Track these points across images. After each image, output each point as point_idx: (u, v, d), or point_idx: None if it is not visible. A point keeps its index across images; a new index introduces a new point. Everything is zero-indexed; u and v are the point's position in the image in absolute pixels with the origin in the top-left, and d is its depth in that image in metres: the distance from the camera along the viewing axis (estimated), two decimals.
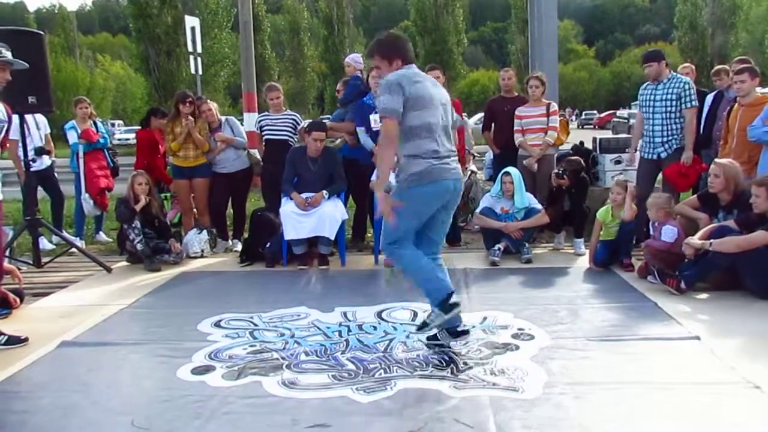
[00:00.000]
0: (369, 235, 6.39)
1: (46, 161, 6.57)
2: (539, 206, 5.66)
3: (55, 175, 6.80)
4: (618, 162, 6.93)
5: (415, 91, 3.21)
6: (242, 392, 2.97)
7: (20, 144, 5.58)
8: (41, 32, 5.51)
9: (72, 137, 6.73)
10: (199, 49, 11.35)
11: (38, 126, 6.57)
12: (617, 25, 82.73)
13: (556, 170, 5.78)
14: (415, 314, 4.09)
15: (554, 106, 6.22)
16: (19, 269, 4.73)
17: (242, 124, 8.23)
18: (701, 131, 5.87)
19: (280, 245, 5.56)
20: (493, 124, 6.67)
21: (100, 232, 7.09)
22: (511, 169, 5.70)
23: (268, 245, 5.63)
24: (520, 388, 2.93)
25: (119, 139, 26.69)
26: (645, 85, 5.82)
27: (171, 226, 6.23)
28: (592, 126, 40.09)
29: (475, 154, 9.07)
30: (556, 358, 3.30)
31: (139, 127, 7.35)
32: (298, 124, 6.15)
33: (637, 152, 5.90)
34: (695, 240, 4.38)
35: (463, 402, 2.81)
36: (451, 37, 34.75)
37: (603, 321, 3.89)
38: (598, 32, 79.45)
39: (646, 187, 5.71)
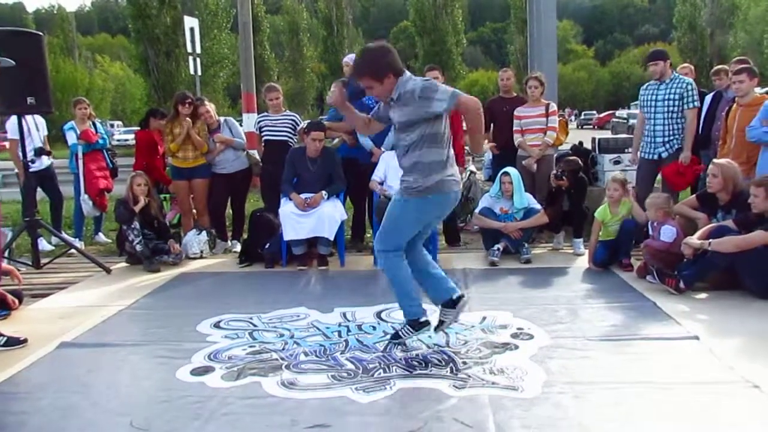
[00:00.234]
0: (368, 235, 6.39)
1: (45, 162, 6.58)
2: (538, 206, 5.66)
3: (55, 176, 6.80)
4: (617, 162, 6.94)
5: None
6: (241, 393, 2.97)
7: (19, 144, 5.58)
8: (40, 33, 5.51)
9: (71, 138, 6.73)
10: (198, 50, 11.35)
11: (38, 127, 6.57)
12: (616, 26, 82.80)
13: (554, 172, 5.78)
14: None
15: (553, 107, 6.23)
16: (19, 270, 4.73)
17: (241, 125, 8.22)
18: (700, 131, 5.87)
19: (279, 246, 5.56)
20: (492, 125, 6.67)
21: (100, 233, 7.09)
22: (510, 169, 5.70)
23: (267, 246, 5.63)
24: (520, 388, 2.93)
25: (118, 140, 26.67)
26: (646, 84, 5.83)
27: (170, 226, 6.23)
28: (591, 126, 40.11)
29: (475, 155, 9.08)
30: (555, 357, 3.30)
31: (138, 128, 7.35)
32: (298, 125, 6.15)
33: (639, 153, 5.91)
34: (694, 240, 4.38)
35: (463, 401, 2.82)
36: (450, 37, 34.77)
37: (602, 321, 3.89)
38: (598, 32, 79.52)
39: (646, 187, 5.73)
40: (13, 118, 5.74)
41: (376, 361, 3.32)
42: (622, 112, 34.35)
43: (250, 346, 3.60)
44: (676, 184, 5.70)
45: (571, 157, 6.03)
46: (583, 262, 5.36)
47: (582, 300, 4.35)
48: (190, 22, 11.54)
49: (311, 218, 5.35)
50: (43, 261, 5.67)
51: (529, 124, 6.14)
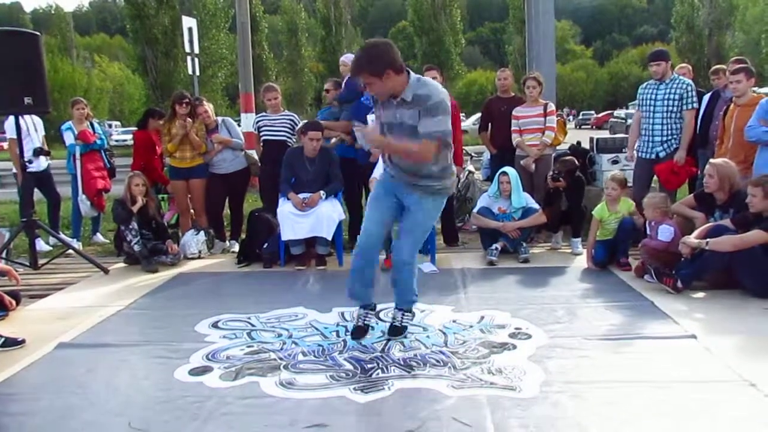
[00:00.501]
0: None
1: (43, 164, 6.57)
2: (536, 206, 5.66)
3: (52, 176, 6.79)
4: (615, 162, 6.94)
5: None
6: (240, 393, 2.97)
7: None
8: (37, 33, 5.50)
9: (69, 138, 6.72)
10: (196, 50, 11.33)
11: (35, 127, 6.56)
12: (615, 26, 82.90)
13: (550, 173, 5.78)
14: (413, 314, 4.08)
15: (551, 107, 6.23)
16: (16, 271, 4.72)
17: (240, 125, 8.22)
18: (697, 131, 5.88)
19: (277, 246, 5.56)
20: (490, 125, 6.67)
21: (97, 234, 7.09)
22: (508, 168, 5.70)
23: (265, 246, 5.63)
24: (518, 387, 2.94)
25: (117, 140, 26.65)
26: (645, 84, 5.85)
27: (168, 227, 6.23)
28: (589, 126, 40.14)
29: (473, 154, 9.09)
30: (553, 357, 3.31)
31: (137, 128, 7.34)
32: (296, 125, 6.15)
33: (635, 151, 5.91)
34: (692, 239, 4.39)
35: (461, 401, 2.82)
36: (449, 37, 34.75)
37: (600, 320, 3.89)
38: (596, 33, 79.58)
39: (642, 186, 5.74)
40: (11, 119, 5.73)
41: (374, 361, 3.32)
42: (620, 112, 34.39)
43: (249, 346, 3.60)
44: (669, 182, 5.71)
45: (567, 157, 6.03)
46: (581, 261, 5.37)
47: (580, 299, 4.35)
48: (188, 22, 11.52)
49: (309, 218, 5.35)
50: (41, 261, 5.67)
51: (527, 124, 6.14)
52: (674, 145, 5.64)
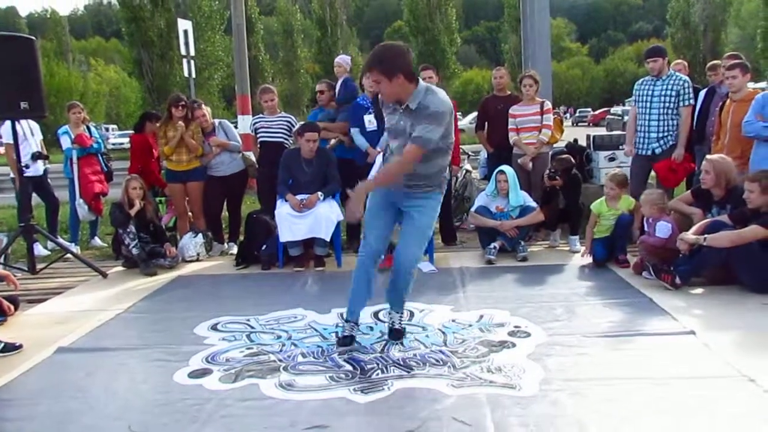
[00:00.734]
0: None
1: (40, 169, 6.56)
2: (534, 204, 5.67)
3: (49, 181, 6.78)
4: (612, 159, 6.95)
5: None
6: (239, 395, 2.97)
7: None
8: (32, 37, 5.49)
9: (65, 142, 6.71)
10: (192, 52, 11.32)
11: (32, 132, 6.56)
12: (610, 23, 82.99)
13: (547, 172, 5.78)
14: (411, 314, 4.09)
15: (548, 105, 6.24)
16: (15, 276, 4.71)
17: (236, 127, 8.22)
18: (694, 127, 5.89)
19: (276, 247, 5.55)
20: (486, 124, 6.68)
21: (95, 238, 7.08)
22: (505, 167, 5.71)
23: (264, 248, 5.63)
24: (517, 386, 2.94)
25: (114, 144, 26.62)
26: (642, 80, 5.86)
27: (166, 230, 6.23)
28: (586, 123, 40.18)
29: (470, 153, 9.09)
30: (552, 355, 3.31)
31: (133, 132, 7.33)
32: (293, 126, 6.15)
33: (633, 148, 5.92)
34: (689, 235, 4.40)
35: (461, 400, 2.82)
36: (444, 36, 34.73)
37: (599, 317, 3.90)
38: (592, 30, 79.67)
39: (639, 182, 5.74)
40: (7, 123, 5.72)
41: (373, 362, 3.32)
42: (617, 109, 34.43)
43: (248, 348, 3.60)
44: (667, 179, 5.72)
45: (563, 156, 6.04)
46: (580, 259, 5.37)
47: (579, 297, 4.36)
48: (184, 25, 11.51)
49: (307, 219, 5.34)
50: (39, 266, 5.65)
51: (524, 122, 6.15)
52: (670, 142, 5.65)
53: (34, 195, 6.51)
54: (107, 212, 6.30)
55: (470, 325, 3.81)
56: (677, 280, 4.32)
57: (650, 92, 5.69)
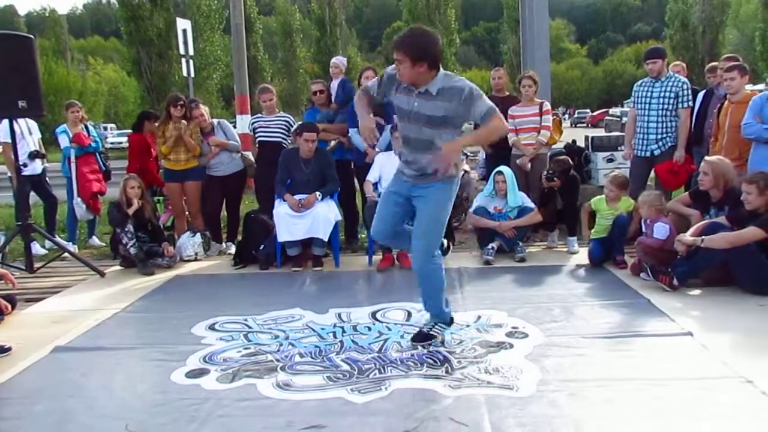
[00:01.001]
0: (363, 235, 6.39)
1: (38, 168, 6.55)
2: (532, 205, 5.67)
3: (47, 180, 6.77)
4: (611, 160, 6.96)
5: None
6: (237, 395, 2.97)
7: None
8: (31, 36, 5.49)
9: (63, 141, 6.70)
10: (191, 52, 11.31)
11: (30, 130, 6.54)
12: (609, 24, 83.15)
13: (545, 173, 5.78)
14: (409, 314, 4.09)
15: (547, 106, 6.24)
16: (12, 274, 4.70)
17: (235, 127, 8.21)
18: (691, 129, 5.90)
19: (274, 247, 5.55)
20: None
21: (93, 237, 7.07)
22: (503, 168, 5.71)
23: (262, 247, 5.63)
24: (515, 387, 2.94)
25: (112, 143, 26.59)
26: (641, 81, 5.86)
27: (164, 229, 6.22)
28: (585, 124, 40.21)
29: (469, 154, 9.09)
30: (550, 355, 3.31)
31: (132, 131, 7.33)
32: (291, 126, 6.15)
33: (632, 150, 5.93)
34: (687, 237, 4.40)
35: (458, 401, 2.82)
36: (444, 37, 34.70)
37: (596, 318, 3.90)
38: (591, 31, 79.82)
39: (638, 184, 5.75)
40: (5, 122, 5.71)
41: (371, 362, 3.32)
42: (615, 110, 34.49)
43: (245, 348, 3.60)
44: (669, 182, 5.73)
45: (561, 157, 6.05)
46: (578, 260, 5.38)
47: (576, 298, 4.36)
48: (183, 24, 11.49)
49: (305, 219, 5.34)
50: (37, 265, 5.65)
51: (522, 123, 6.15)
52: (669, 143, 5.66)
53: (32, 194, 6.50)
54: (105, 211, 6.29)
55: (468, 326, 3.81)
56: (675, 282, 4.32)
57: (649, 94, 5.70)
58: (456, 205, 6.81)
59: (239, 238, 6.23)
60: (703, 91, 6.25)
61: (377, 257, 5.57)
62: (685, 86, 5.61)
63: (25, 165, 5.94)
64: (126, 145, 9.35)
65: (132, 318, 4.32)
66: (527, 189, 5.94)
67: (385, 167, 5.43)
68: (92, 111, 33.79)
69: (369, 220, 5.36)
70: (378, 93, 3.48)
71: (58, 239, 6.36)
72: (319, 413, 2.74)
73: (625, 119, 20.60)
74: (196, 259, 5.94)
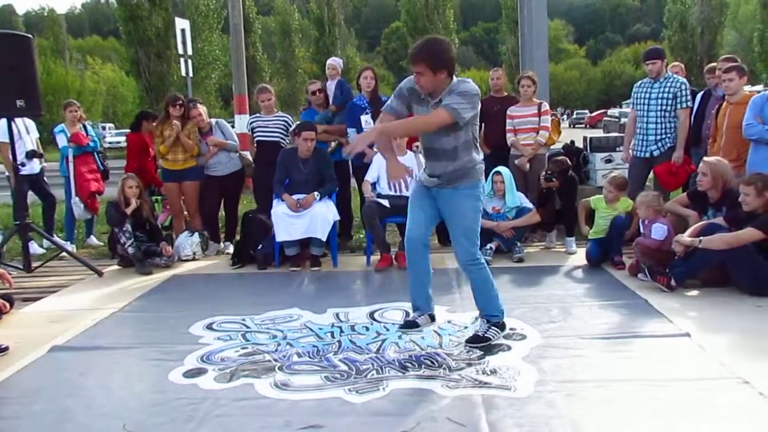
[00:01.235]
0: (361, 235, 6.39)
1: (36, 167, 6.54)
2: (530, 205, 5.68)
3: (45, 179, 6.76)
4: (609, 161, 6.96)
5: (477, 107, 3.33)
6: (234, 395, 2.97)
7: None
8: (29, 35, 5.48)
9: (61, 141, 6.70)
10: (189, 52, 11.30)
11: (27, 130, 6.53)
12: (608, 25, 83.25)
13: (543, 174, 5.79)
14: (407, 314, 4.07)
15: (545, 106, 6.23)
16: (10, 274, 4.70)
17: (233, 127, 8.21)
18: (690, 130, 5.90)
19: (272, 247, 5.55)
20: (483, 124, 6.67)
21: (91, 236, 7.06)
22: (501, 168, 5.71)
23: (260, 247, 5.62)
24: (512, 387, 2.94)
25: (110, 142, 26.59)
26: (640, 82, 5.86)
27: (162, 229, 6.22)
28: (583, 125, 40.24)
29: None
30: (547, 356, 3.31)
31: (130, 131, 7.32)
32: (290, 126, 6.15)
33: (630, 151, 5.93)
34: (685, 237, 4.40)
35: (456, 401, 2.82)
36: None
37: (594, 319, 3.90)
38: (589, 32, 79.90)
39: (637, 185, 5.75)
40: (3, 122, 5.70)
41: (369, 362, 3.32)
42: (614, 111, 34.51)
43: (243, 348, 3.59)
44: (668, 183, 5.73)
45: (560, 157, 6.05)
46: (576, 261, 5.38)
47: (574, 299, 4.36)
48: (181, 24, 11.49)
49: (304, 219, 5.34)
50: (35, 264, 5.64)
51: (521, 123, 6.15)
52: (668, 144, 5.66)
53: (30, 193, 6.49)
54: (103, 211, 6.29)
55: (466, 327, 3.81)
56: (672, 282, 4.33)
57: (648, 95, 5.70)
58: None
59: (237, 237, 6.23)
60: (701, 92, 6.26)
61: (375, 257, 5.57)
62: (683, 86, 5.61)
63: (23, 164, 5.93)
64: (124, 144, 9.35)
65: (130, 317, 4.32)
66: (525, 189, 5.94)
67: (383, 167, 5.41)
68: (90, 110, 33.76)
69: (367, 220, 5.37)
70: (401, 107, 3.44)
71: (56, 239, 6.35)
72: (317, 413, 2.74)
73: (623, 120, 20.63)
74: (194, 259, 5.94)
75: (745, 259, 4.17)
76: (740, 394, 2.78)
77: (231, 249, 6.13)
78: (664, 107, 5.61)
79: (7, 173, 6.45)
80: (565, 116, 43.91)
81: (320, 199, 5.47)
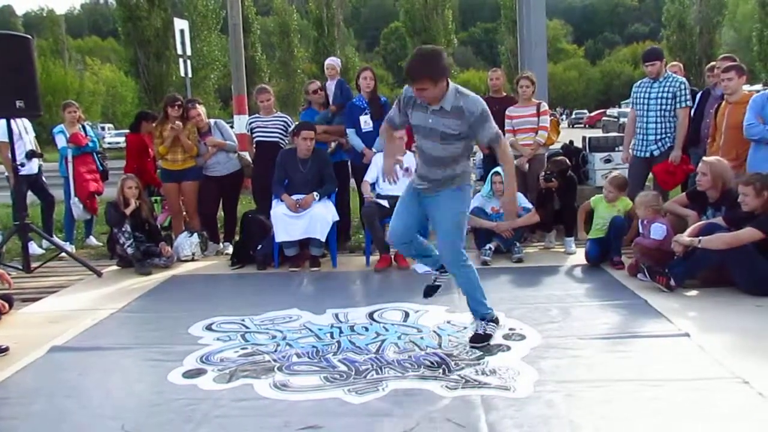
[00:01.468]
0: (361, 236, 6.39)
1: (34, 166, 6.53)
2: (530, 205, 5.68)
3: (44, 179, 6.76)
4: (608, 161, 6.96)
5: None
6: (234, 395, 2.97)
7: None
8: (28, 36, 5.48)
9: (61, 141, 6.69)
10: (188, 52, 11.31)
11: (26, 130, 6.53)
12: (606, 25, 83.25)
13: (542, 174, 5.79)
14: (407, 315, 4.09)
15: (544, 106, 6.24)
16: (9, 274, 4.70)
17: (232, 127, 8.21)
18: (689, 129, 5.90)
19: (271, 247, 5.55)
20: None
21: (90, 237, 7.05)
22: (501, 168, 5.70)
23: (259, 247, 5.62)
24: (512, 388, 2.94)
25: (110, 143, 26.57)
26: (639, 82, 5.86)
27: (162, 229, 6.21)
28: (582, 125, 40.24)
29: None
30: (547, 357, 3.31)
31: (129, 131, 7.32)
32: (289, 126, 6.14)
33: (630, 151, 5.93)
34: (684, 237, 4.40)
35: (455, 402, 2.82)
36: (441, 38, 34.69)
37: (594, 319, 3.90)
38: (588, 32, 79.85)
39: (637, 185, 5.75)
40: (2, 122, 5.70)
41: (368, 363, 3.31)
42: (613, 111, 34.49)
43: (242, 348, 3.59)
44: (666, 182, 5.73)
45: (559, 158, 6.05)
46: (575, 261, 5.38)
47: (574, 299, 4.36)
48: (180, 24, 11.49)
49: (303, 219, 5.34)
50: (34, 265, 5.64)
51: (520, 123, 6.15)
52: (668, 144, 5.66)
53: (30, 193, 6.49)
54: (102, 211, 6.29)
55: (465, 328, 3.80)
56: (672, 282, 4.33)
57: (647, 94, 5.70)
58: None
59: (236, 238, 6.23)
60: (700, 92, 6.26)
61: (375, 258, 5.57)
62: (683, 86, 5.60)
63: (22, 165, 5.93)
64: (123, 145, 9.35)
65: (129, 318, 4.32)
66: (525, 189, 5.94)
67: (382, 168, 5.42)
68: (90, 111, 33.73)
69: (367, 220, 5.36)
70: (401, 118, 3.52)
71: (55, 239, 6.35)
72: (316, 414, 2.74)
73: (622, 120, 20.62)
74: (193, 260, 5.94)
75: (744, 259, 4.17)
76: (739, 394, 2.79)
77: (230, 249, 6.12)
78: (663, 107, 5.62)
79: (6, 173, 6.44)
80: (564, 116, 43.92)
81: (319, 199, 5.47)
